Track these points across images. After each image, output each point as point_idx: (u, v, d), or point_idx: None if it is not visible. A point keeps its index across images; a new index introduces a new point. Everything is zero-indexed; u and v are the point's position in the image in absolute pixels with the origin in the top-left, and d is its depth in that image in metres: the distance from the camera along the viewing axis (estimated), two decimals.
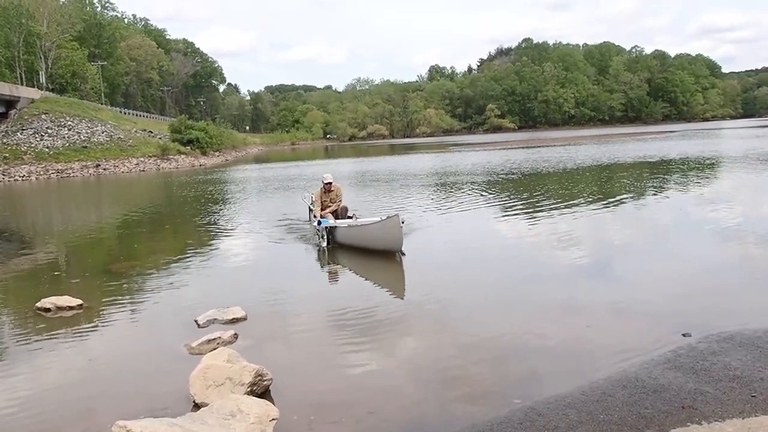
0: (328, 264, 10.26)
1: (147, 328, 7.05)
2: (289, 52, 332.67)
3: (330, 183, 12.34)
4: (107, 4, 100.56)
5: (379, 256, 9.95)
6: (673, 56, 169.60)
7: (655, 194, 16.81)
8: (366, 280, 9.03)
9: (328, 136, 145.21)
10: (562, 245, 10.39)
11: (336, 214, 12.00)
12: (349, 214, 12.06)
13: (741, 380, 4.62)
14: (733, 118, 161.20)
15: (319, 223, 11.44)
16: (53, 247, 13.56)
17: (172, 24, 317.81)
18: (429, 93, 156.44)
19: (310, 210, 13.51)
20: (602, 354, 5.35)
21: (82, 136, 52.57)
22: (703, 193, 16.70)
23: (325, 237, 11.18)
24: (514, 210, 14.79)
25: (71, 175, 45.90)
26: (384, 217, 10.55)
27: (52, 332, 6.86)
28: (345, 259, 10.35)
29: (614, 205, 14.95)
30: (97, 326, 7.10)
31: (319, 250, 11.03)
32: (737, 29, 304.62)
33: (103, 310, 7.73)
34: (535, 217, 13.48)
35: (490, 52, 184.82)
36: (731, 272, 8.19)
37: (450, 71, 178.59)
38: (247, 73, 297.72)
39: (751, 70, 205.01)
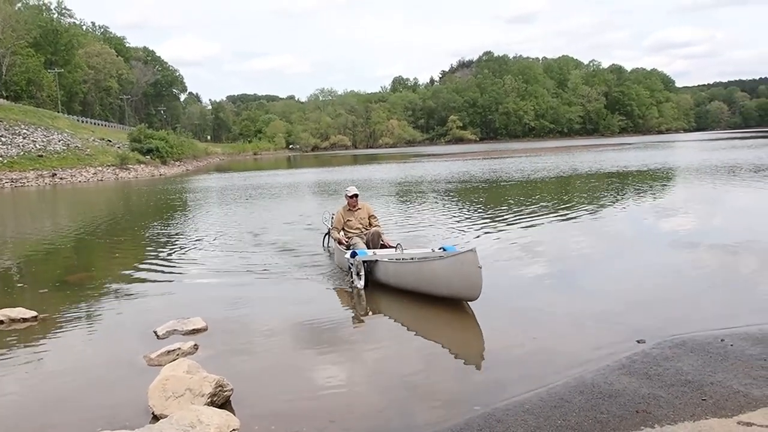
0: (291, 276, 9.76)
1: (105, 340, 6.91)
2: (252, 62, 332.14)
3: (355, 197, 9.84)
4: (65, 11, 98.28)
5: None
6: (629, 70, 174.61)
7: (613, 204, 17.18)
8: (328, 290, 8.96)
9: (290, 146, 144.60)
10: (522, 254, 10.55)
11: (367, 242, 9.31)
12: (384, 241, 9.39)
13: (692, 384, 4.78)
14: (686, 131, 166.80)
15: (354, 254, 8.46)
16: (6, 258, 13.17)
17: (134, 33, 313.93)
18: (392, 104, 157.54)
19: (327, 234, 11.02)
20: (560, 361, 5.46)
21: (37, 145, 51.38)
22: (659, 203, 17.15)
23: (363, 275, 8.18)
24: (470, 218, 14.92)
25: (26, 184, 44.66)
26: (438, 249, 8.35)
27: (5, 345, 6.66)
28: (310, 269, 10.18)
29: (573, 215, 15.22)
30: (52, 338, 6.93)
31: (352, 293, 8.32)
32: (691, 45, 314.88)
33: (58, 321, 7.55)
34: (491, 226, 13.62)
35: (452, 65, 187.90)
36: (685, 280, 8.47)
37: (413, 83, 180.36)
38: (210, 82, 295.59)
39: (704, 85, 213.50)
